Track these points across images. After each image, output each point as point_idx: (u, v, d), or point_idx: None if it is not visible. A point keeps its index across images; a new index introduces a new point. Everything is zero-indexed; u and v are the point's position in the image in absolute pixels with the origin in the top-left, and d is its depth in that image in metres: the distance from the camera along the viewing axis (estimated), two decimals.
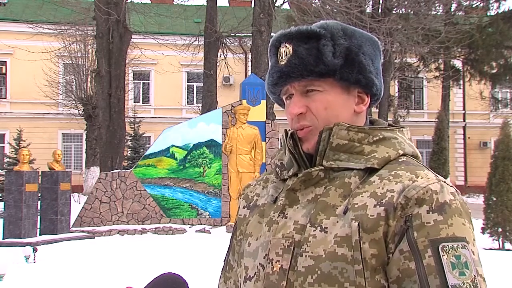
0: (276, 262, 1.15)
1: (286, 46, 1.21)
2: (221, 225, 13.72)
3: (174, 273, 1.75)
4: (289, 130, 1.26)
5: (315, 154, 1.21)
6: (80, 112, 23.64)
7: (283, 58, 1.21)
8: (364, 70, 1.21)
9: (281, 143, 1.35)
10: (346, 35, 1.22)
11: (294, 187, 1.20)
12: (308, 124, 1.21)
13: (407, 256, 1.07)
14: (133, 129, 22.03)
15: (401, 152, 1.19)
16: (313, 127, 1.20)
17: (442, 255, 1.05)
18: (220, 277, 1.39)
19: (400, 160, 1.18)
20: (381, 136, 1.20)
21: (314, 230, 1.14)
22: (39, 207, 12.42)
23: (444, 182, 1.13)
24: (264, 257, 1.18)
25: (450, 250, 1.05)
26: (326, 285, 1.10)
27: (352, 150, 1.19)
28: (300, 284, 1.12)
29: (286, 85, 1.23)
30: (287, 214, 1.19)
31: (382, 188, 1.13)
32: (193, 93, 28.36)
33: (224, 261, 1.38)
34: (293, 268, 1.13)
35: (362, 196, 1.13)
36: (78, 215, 13.61)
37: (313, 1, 18.79)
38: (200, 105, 20.48)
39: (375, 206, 1.11)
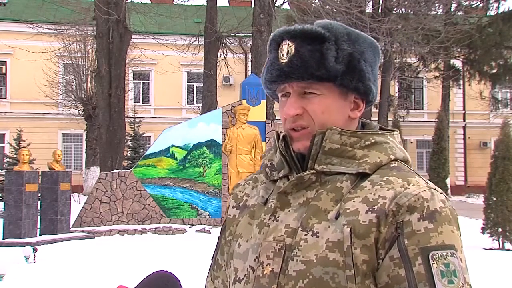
0: (266, 265, 1.15)
1: (288, 44, 1.19)
2: (221, 225, 13.72)
3: (167, 271, 1.75)
4: (281, 132, 1.25)
5: (307, 157, 1.20)
6: (80, 112, 23.64)
7: (284, 56, 1.19)
8: (364, 78, 1.21)
9: (272, 144, 1.35)
10: (350, 40, 1.20)
11: (285, 190, 1.20)
12: (306, 124, 1.20)
13: (397, 263, 1.08)
14: (133, 129, 22.02)
15: (392, 157, 1.19)
16: (310, 129, 1.20)
17: (432, 263, 1.06)
18: (207, 276, 1.38)
19: (391, 165, 1.18)
20: (373, 141, 1.20)
21: (305, 234, 1.14)
22: (39, 207, 12.41)
23: (435, 189, 1.14)
24: (255, 260, 1.18)
25: (440, 258, 1.07)
26: None
27: (344, 155, 1.18)
28: None
29: (284, 84, 1.22)
30: (278, 217, 1.19)
31: (374, 194, 1.13)
32: (193, 93, 28.36)
33: (211, 259, 1.38)
34: (284, 272, 1.13)
35: (354, 201, 1.13)
36: (78, 215, 13.61)
37: (313, 1, 18.80)
38: (200, 105, 20.48)
39: (367, 212, 1.11)
